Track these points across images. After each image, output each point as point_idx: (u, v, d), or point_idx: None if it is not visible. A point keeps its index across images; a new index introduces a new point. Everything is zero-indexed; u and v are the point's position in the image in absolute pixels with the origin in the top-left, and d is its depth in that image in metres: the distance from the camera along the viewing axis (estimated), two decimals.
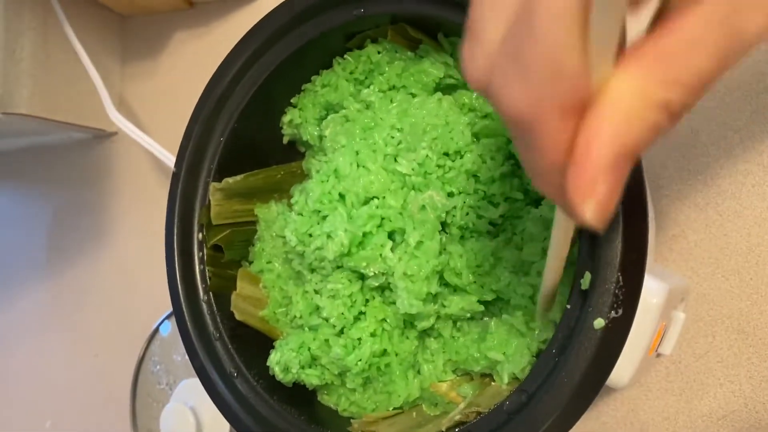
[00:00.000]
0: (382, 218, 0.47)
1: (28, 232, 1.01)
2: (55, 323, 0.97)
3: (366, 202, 0.48)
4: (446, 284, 0.47)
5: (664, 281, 0.43)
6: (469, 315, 0.47)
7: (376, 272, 0.47)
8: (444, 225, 0.47)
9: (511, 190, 0.45)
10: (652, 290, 0.42)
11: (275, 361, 0.50)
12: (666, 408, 0.56)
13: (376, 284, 0.47)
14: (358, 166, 0.48)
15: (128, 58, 0.92)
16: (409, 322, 0.49)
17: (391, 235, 0.47)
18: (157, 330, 0.83)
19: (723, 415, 0.54)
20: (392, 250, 0.46)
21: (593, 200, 0.22)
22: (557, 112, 0.21)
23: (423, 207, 0.46)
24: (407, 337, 0.49)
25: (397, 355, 0.48)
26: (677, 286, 0.47)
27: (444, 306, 0.47)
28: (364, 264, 0.47)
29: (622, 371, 0.43)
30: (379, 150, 0.48)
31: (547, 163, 0.23)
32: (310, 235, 0.49)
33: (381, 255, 0.46)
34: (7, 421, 1.00)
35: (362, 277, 0.48)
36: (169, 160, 0.75)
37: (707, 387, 0.55)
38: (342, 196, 0.48)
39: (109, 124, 0.89)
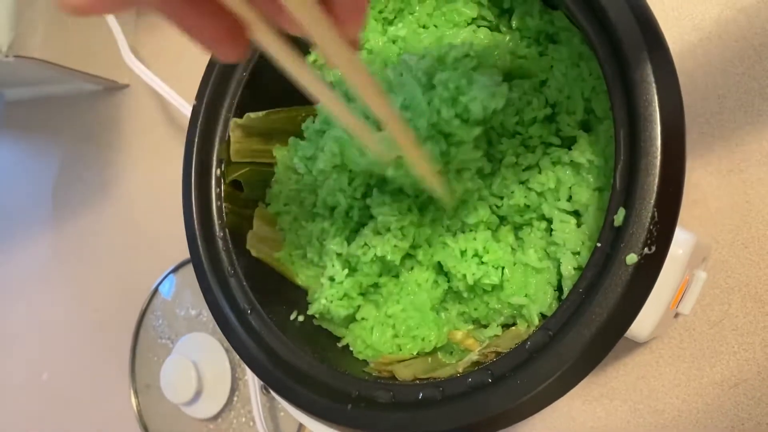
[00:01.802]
0: None
1: (34, 183, 1.00)
2: (56, 276, 0.97)
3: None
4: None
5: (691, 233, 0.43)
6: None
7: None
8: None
9: (549, 135, 0.44)
10: (679, 241, 0.42)
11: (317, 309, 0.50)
12: (677, 375, 0.56)
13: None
14: None
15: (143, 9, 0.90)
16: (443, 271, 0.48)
17: None
18: (159, 286, 0.83)
19: (735, 383, 0.53)
20: None
21: None
22: None
23: (400, 74, 0.45)
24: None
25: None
26: (702, 243, 0.46)
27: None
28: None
29: (644, 322, 0.42)
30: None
31: None
32: (311, 159, 0.49)
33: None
34: (4, 372, 0.99)
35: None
36: (185, 108, 0.74)
37: (720, 354, 0.54)
38: None
39: (122, 75, 0.89)
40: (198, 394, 0.75)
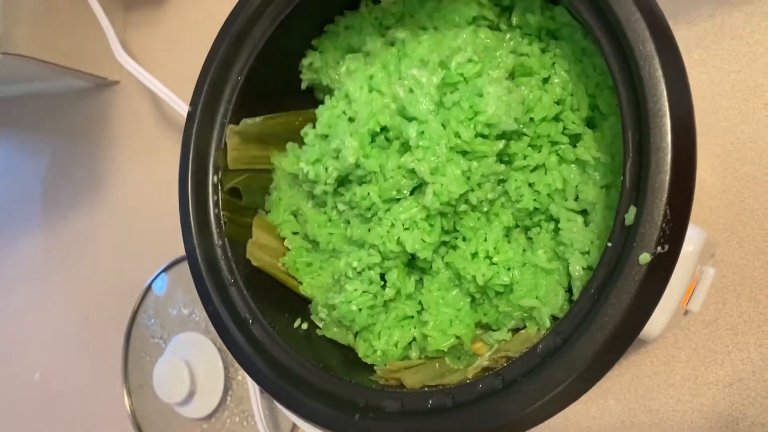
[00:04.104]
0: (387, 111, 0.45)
1: (23, 182, 0.98)
2: (46, 275, 0.95)
3: (381, 129, 0.46)
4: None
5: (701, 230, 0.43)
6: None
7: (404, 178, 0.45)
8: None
9: (557, 134, 0.44)
10: (689, 237, 0.41)
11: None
12: (671, 374, 0.56)
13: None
14: (370, 89, 0.46)
15: (132, 4, 0.89)
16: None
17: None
18: (151, 285, 0.82)
19: (730, 383, 0.54)
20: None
21: None
22: None
23: (410, 89, 0.44)
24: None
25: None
26: (712, 238, 0.46)
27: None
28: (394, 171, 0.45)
29: (655, 321, 0.42)
30: (396, 75, 0.46)
31: None
32: (320, 161, 0.48)
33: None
34: None
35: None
36: (177, 104, 0.73)
37: (715, 354, 0.54)
38: (352, 120, 0.47)
39: (111, 71, 0.88)
40: (191, 394, 0.75)
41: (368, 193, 0.46)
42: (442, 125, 0.43)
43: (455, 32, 0.47)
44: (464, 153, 0.43)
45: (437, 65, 0.44)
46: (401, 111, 0.45)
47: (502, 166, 0.44)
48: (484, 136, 0.42)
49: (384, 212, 0.47)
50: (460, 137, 0.42)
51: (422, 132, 0.43)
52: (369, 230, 0.48)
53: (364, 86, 0.47)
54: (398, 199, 0.46)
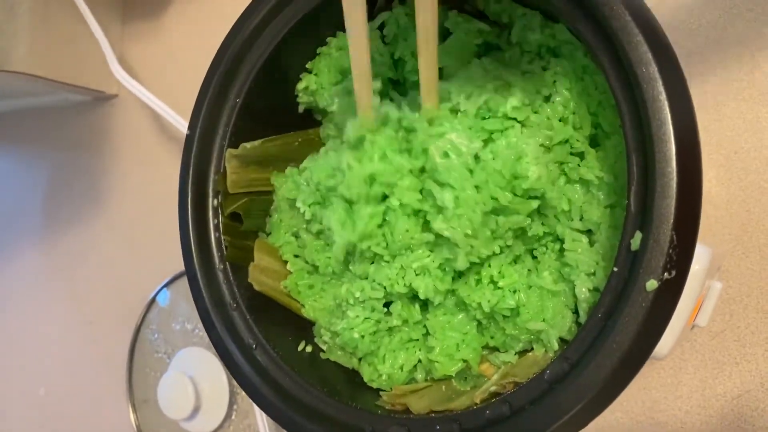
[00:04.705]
0: (388, 208, 0.44)
1: (23, 196, 0.99)
2: (49, 289, 0.96)
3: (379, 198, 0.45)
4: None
5: (707, 245, 0.42)
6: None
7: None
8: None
9: (566, 155, 0.43)
10: (696, 256, 0.40)
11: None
12: (679, 386, 0.56)
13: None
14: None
15: (129, 18, 0.89)
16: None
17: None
18: (154, 299, 0.82)
19: (738, 394, 0.53)
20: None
21: None
22: None
23: (445, 153, 0.42)
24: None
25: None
26: (718, 252, 0.45)
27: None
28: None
29: (663, 342, 0.41)
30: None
31: None
32: (318, 204, 0.48)
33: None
34: (1, 389, 0.98)
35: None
36: (175, 120, 0.73)
37: (722, 366, 0.54)
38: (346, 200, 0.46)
39: (109, 85, 0.87)
40: (196, 409, 0.75)
41: (369, 247, 0.46)
42: (476, 187, 0.42)
43: (466, 68, 0.46)
44: (495, 211, 0.42)
45: (477, 111, 0.43)
46: (432, 175, 0.43)
47: (529, 219, 0.43)
48: (519, 196, 0.41)
49: (392, 258, 0.46)
50: (497, 200, 0.41)
51: (457, 197, 0.42)
52: (373, 263, 0.47)
53: (346, 222, 0.46)
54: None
